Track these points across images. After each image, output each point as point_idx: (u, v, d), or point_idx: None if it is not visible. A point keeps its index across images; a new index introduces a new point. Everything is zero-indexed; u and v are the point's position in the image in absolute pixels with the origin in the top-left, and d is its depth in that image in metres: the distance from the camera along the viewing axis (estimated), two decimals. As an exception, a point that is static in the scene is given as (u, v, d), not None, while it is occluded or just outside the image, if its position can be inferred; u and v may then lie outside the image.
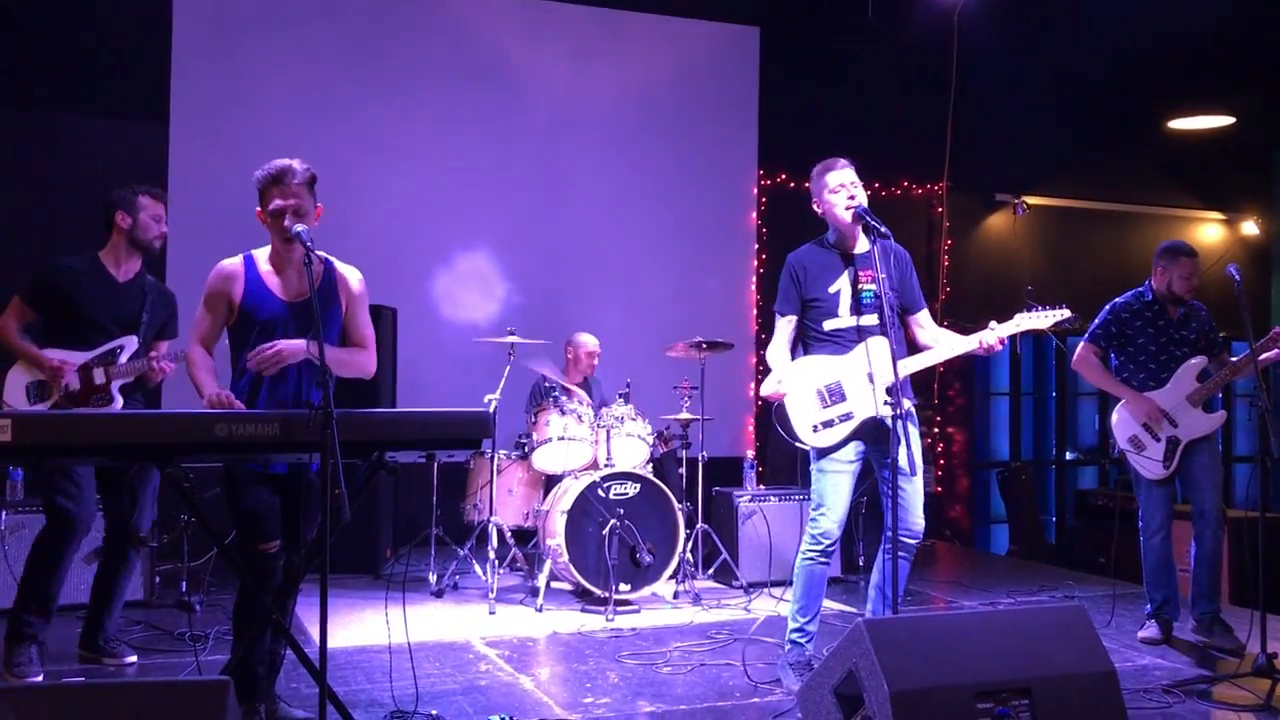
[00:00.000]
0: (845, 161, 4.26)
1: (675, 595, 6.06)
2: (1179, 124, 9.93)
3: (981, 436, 9.59)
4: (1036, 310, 4.21)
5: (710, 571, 6.49)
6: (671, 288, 8.31)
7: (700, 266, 8.48)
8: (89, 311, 4.42)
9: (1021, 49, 8.48)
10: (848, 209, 4.16)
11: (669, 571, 5.88)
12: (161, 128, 7.24)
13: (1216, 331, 5.24)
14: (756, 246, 8.70)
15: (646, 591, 5.85)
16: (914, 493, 4.13)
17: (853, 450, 4.18)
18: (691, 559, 6.25)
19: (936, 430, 8.97)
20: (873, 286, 4.17)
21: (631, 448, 6.14)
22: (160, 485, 4.70)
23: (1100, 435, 9.83)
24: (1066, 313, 4.20)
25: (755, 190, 8.74)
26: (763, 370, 8.36)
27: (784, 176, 8.73)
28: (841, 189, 4.18)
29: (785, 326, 4.31)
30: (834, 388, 4.16)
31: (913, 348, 4.34)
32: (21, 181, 6.91)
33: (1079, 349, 5.34)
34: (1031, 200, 9.77)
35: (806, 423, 4.18)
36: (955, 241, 9.42)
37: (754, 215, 8.74)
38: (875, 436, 4.18)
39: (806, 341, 4.30)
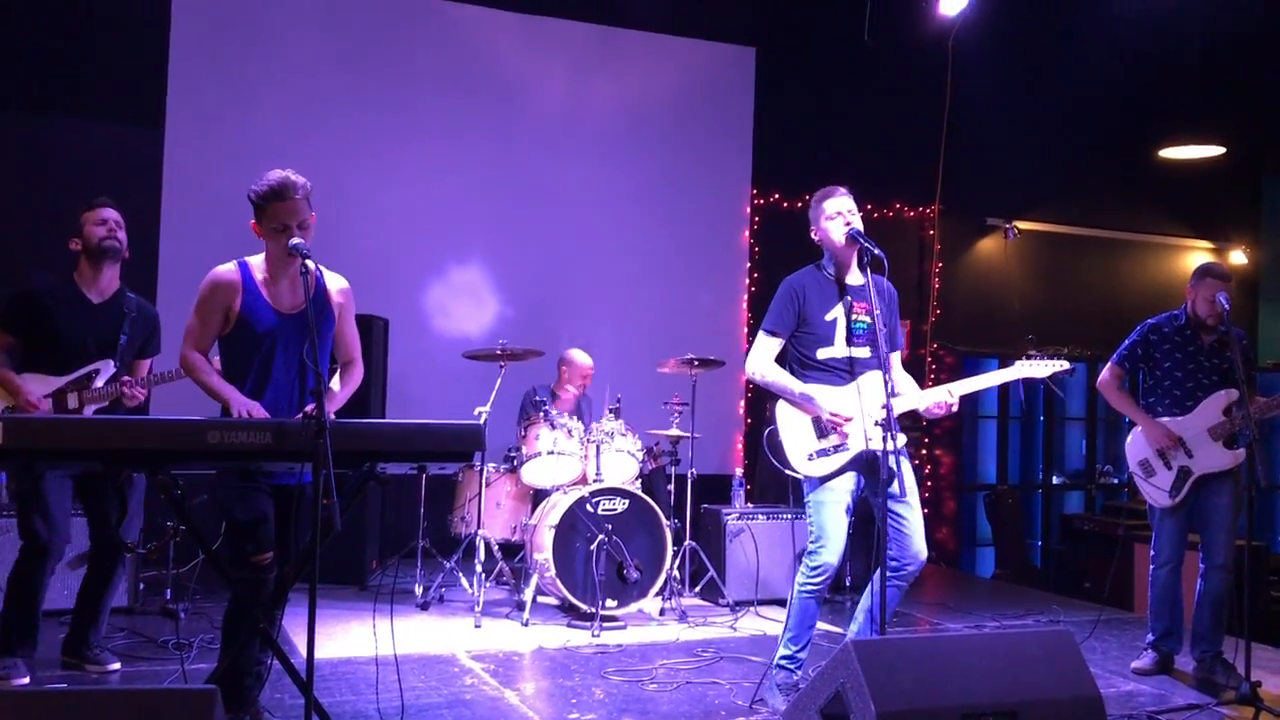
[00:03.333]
0: (844, 190, 4.26)
1: (661, 612, 6.05)
2: (1170, 153, 10.00)
3: (969, 459, 9.62)
4: (1036, 359, 4.27)
5: (697, 589, 6.48)
6: (664, 304, 8.33)
7: (693, 283, 8.50)
8: (64, 336, 4.39)
9: (1015, 75, 8.55)
10: (845, 234, 4.16)
11: (656, 588, 5.88)
12: (157, 131, 7.22)
13: (1252, 366, 5.10)
14: (749, 265, 8.72)
15: (633, 608, 5.83)
16: (915, 520, 4.13)
17: (850, 480, 4.17)
18: (678, 576, 6.24)
19: (924, 453, 9.00)
20: (867, 319, 4.20)
21: (621, 463, 6.14)
22: (147, 492, 4.69)
23: (1088, 460, 9.86)
24: (1065, 364, 4.26)
25: (748, 209, 8.78)
26: (753, 389, 8.37)
27: (777, 196, 8.76)
28: (839, 215, 4.18)
29: (774, 345, 4.26)
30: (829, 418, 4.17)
31: None
32: (15, 183, 6.89)
33: (1105, 370, 5.17)
34: (1022, 225, 9.83)
35: (801, 451, 4.18)
36: (946, 264, 9.47)
37: (747, 234, 8.77)
38: (869, 469, 4.17)
39: (796, 369, 4.28)
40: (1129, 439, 5.11)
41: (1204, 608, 4.87)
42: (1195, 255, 10.69)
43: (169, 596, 5.68)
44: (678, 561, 6.18)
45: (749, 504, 6.77)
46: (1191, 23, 7.64)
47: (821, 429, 4.17)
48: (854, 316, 4.21)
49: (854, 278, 4.26)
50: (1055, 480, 9.82)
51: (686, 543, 6.32)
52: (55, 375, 4.39)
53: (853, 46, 8.22)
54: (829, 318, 4.21)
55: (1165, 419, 4.95)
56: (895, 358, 4.33)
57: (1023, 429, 9.81)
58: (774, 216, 8.74)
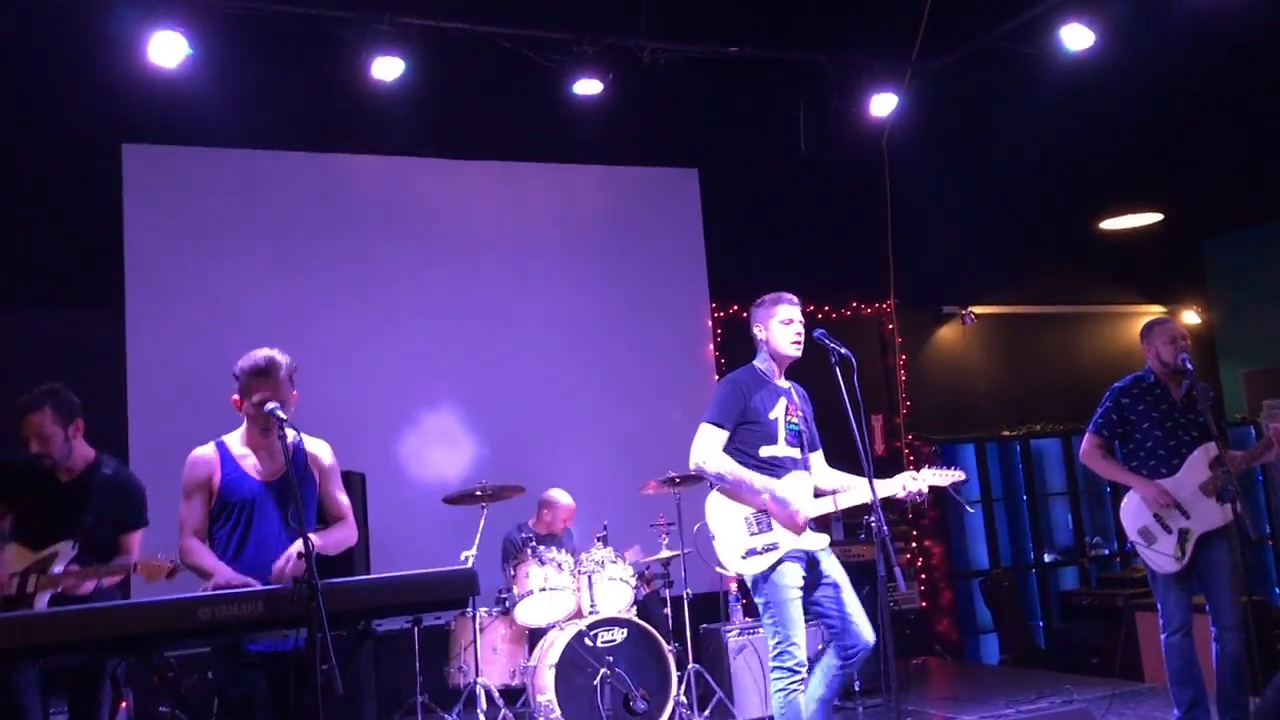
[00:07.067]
0: (794, 297, 4.40)
1: (673, 740, 5.91)
2: (1110, 223, 10.28)
3: (959, 546, 9.56)
4: (939, 469, 4.38)
5: (707, 712, 6.34)
6: (638, 425, 8.32)
7: (663, 401, 8.51)
8: (27, 514, 4.32)
9: (951, 165, 8.79)
10: (794, 344, 4.33)
11: (665, 716, 5.75)
12: (118, 312, 7.19)
13: (1221, 419, 5.06)
14: (716, 377, 8.77)
15: (643, 739, 5.70)
16: (855, 605, 4.21)
17: (799, 573, 4.19)
18: (686, 701, 6.10)
19: (914, 545, 8.95)
20: (798, 421, 4.36)
21: (615, 591, 6.05)
22: (136, 674, 4.54)
23: (1076, 534, 9.84)
24: (961, 475, 4.39)
25: (709, 322, 8.88)
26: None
27: (736, 307, 8.86)
28: (791, 323, 4.33)
29: (721, 438, 4.31)
30: (761, 516, 4.23)
31: None
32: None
33: (1084, 441, 5.08)
34: (978, 310, 9.98)
35: (736, 550, 4.23)
36: (909, 355, 9.58)
37: (711, 347, 8.86)
38: (807, 567, 4.24)
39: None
40: (1123, 506, 4.98)
41: (1225, 672, 4.68)
42: (1149, 320, 10.88)
43: (165, 786, 5.48)
44: (684, 686, 6.06)
45: (748, 618, 6.68)
46: (1112, 102, 7.94)
47: (754, 527, 4.19)
48: (790, 417, 4.34)
49: (782, 381, 4.42)
50: (1047, 558, 9.77)
51: (690, 665, 6.21)
52: (32, 550, 4.27)
53: (792, 156, 8.46)
54: (772, 415, 4.30)
55: (1157, 481, 4.85)
56: (819, 456, 4.50)
57: (1008, 509, 9.80)
58: (735, 327, 8.81)
